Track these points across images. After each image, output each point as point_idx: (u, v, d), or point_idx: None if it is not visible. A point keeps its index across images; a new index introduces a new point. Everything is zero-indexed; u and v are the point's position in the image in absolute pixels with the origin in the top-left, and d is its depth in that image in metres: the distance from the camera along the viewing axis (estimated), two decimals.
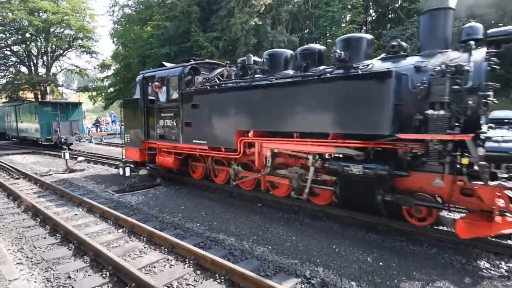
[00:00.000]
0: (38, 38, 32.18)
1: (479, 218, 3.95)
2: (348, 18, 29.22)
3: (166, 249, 4.12)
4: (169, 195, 7.09)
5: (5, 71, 33.83)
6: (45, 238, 4.65)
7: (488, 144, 3.64)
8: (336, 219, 5.23)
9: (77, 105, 19.09)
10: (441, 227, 4.64)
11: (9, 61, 33.71)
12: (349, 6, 28.08)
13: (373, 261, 3.86)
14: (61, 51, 34.71)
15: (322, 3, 26.54)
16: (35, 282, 3.35)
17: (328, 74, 5.06)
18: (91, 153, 14.71)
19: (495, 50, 4.13)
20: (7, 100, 33.69)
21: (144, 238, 4.51)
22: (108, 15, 33.92)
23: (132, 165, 8.15)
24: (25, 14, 28.75)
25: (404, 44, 4.95)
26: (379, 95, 4.12)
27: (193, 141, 6.89)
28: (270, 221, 5.26)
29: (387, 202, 4.42)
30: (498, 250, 4.00)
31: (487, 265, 3.76)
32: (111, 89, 32.49)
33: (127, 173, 7.69)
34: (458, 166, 4.01)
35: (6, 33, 31.01)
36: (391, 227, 4.72)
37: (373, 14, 35.70)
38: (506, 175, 3.68)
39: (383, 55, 5.00)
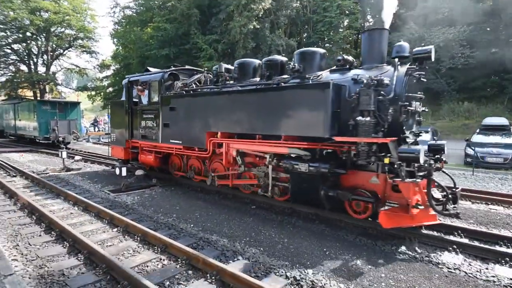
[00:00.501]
0: (38, 37, 32.25)
1: (400, 211, 4.58)
2: (345, 23, 29.54)
3: (159, 249, 4.18)
4: (164, 195, 7.16)
5: (5, 69, 33.80)
6: (40, 235, 4.70)
7: (402, 147, 4.40)
8: (328, 223, 5.32)
9: (75, 104, 19.15)
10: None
11: (9, 59, 33.70)
12: (346, 12, 28.42)
13: (362, 264, 3.94)
14: (61, 51, 34.75)
15: (320, 8, 26.84)
16: (29, 278, 3.41)
17: (282, 84, 5.66)
18: (88, 152, 14.75)
19: (416, 66, 4.88)
20: (6, 98, 33.64)
21: (138, 238, 4.58)
22: (109, 16, 34.08)
23: (128, 165, 8.37)
24: (27, 13, 28.83)
25: (350, 58, 5.57)
26: (320, 103, 4.74)
27: (170, 141, 7.48)
28: (263, 223, 5.34)
29: (329, 196, 5.01)
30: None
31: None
32: (110, 89, 32.57)
33: (124, 173, 7.79)
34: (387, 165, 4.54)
35: (7, 31, 31.03)
36: (379, 230, 4.84)
37: (371, 20, 36.09)
38: (421, 173, 4.37)
39: (333, 67, 5.60)
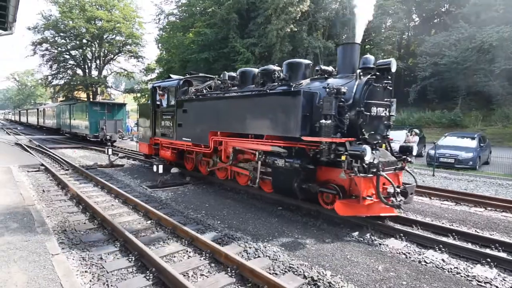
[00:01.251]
0: (93, 44, 35.25)
1: (355, 201, 5.19)
2: (388, 24, 28.33)
3: (186, 242, 4.46)
4: (196, 193, 7.53)
5: (64, 73, 37.38)
6: (84, 223, 5.24)
7: (351, 146, 5.02)
8: (351, 225, 5.26)
9: (122, 105, 20.66)
10: None
11: (68, 64, 37.24)
12: (390, 12, 27.22)
13: (383, 270, 3.87)
14: (112, 56, 37.60)
15: None
16: (73, 259, 3.85)
17: (267, 91, 6.46)
18: (131, 150, 15.84)
19: (375, 76, 5.47)
20: (64, 99, 37.19)
21: (169, 230, 4.92)
22: (154, 23, 36.22)
23: (165, 163, 9.22)
24: (83, 22, 31.67)
25: (329, 68, 6.30)
26: (292, 107, 5.52)
27: (183, 138, 8.56)
28: (287, 224, 5.42)
29: (302, 188, 5.70)
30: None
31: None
32: None
33: (160, 170, 8.35)
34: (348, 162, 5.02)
35: (66, 39, 34.38)
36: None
37: (416, 19, 34.16)
38: (374, 169, 4.92)
39: (315, 76, 6.33)
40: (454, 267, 4.03)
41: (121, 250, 4.22)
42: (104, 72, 37.98)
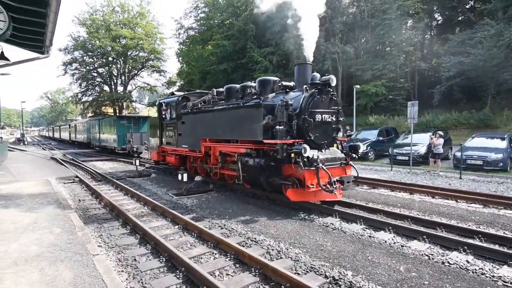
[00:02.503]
0: (118, 61, 37.16)
1: (303, 189, 6.27)
2: (409, 24, 27.82)
3: (212, 244, 4.71)
4: (219, 199, 7.81)
5: (92, 90, 39.53)
6: (118, 229, 5.63)
7: (295, 146, 6.22)
8: (371, 225, 5.30)
9: (146, 118, 21.56)
10: None
11: (96, 81, 39.40)
12: (411, 12, 26.74)
13: (405, 271, 3.91)
14: (136, 71, 39.40)
15: (379, 11, 25.78)
16: (110, 260, 4.20)
17: (242, 103, 7.71)
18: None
19: (317, 90, 6.80)
20: (92, 114, 39.22)
21: (195, 234, 5.20)
22: (174, 37, 37.70)
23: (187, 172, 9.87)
24: (109, 41, 33.53)
25: (291, 83, 7.67)
26: (257, 117, 6.84)
27: (182, 145, 10.14)
28: (309, 228, 5.55)
29: (268, 182, 6.96)
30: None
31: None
32: None
33: (185, 178, 8.69)
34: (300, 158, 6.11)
35: (94, 57, 36.49)
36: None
37: (439, 18, 33.29)
38: (316, 164, 6.04)
39: (280, 91, 7.74)
40: (479, 268, 4.00)
41: (152, 252, 4.53)
42: (129, 87, 39.85)
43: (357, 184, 9.39)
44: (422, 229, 5.34)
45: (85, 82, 38.07)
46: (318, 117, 6.79)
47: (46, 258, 3.87)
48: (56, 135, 46.98)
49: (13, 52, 21.79)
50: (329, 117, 7.06)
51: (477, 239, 4.95)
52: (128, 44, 34.07)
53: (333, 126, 7.19)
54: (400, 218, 6.02)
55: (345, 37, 28.63)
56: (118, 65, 37.86)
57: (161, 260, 4.21)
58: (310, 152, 6.07)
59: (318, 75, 6.96)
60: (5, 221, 5.46)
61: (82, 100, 40.35)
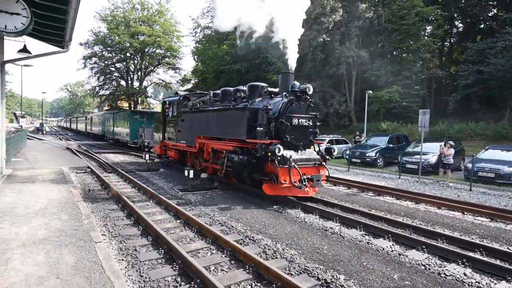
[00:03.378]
0: (135, 57, 37.95)
1: (277, 185, 7.03)
2: (428, 31, 27.28)
3: (210, 240, 4.83)
4: (223, 197, 7.93)
5: (109, 84, 40.50)
6: (122, 219, 5.84)
7: (271, 146, 6.94)
8: (370, 231, 5.30)
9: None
10: None
11: (113, 76, 40.35)
12: (430, 18, 26.20)
13: (399, 279, 3.92)
14: (152, 68, 40.12)
15: (396, 17, 25.42)
16: (112, 249, 4.38)
17: (232, 106, 8.61)
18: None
19: (295, 97, 7.57)
20: (108, 108, 40.17)
21: (195, 230, 5.33)
22: (191, 36, 38.22)
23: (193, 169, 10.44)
24: (128, 37, 34.28)
25: (276, 90, 8.55)
26: (241, 119, 7.72)
27: (181, 141, 11.07)
28: (307, 231, 5.59)
29: (250, 177, 7.67)
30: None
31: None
32: None
33: (191, 175, 8.86)
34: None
35: (112, 53, 37.37)
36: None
37: (459, 25, 32.51)
38: (289, 162, 6.84)
39: (266, 96, 8.56)
40: (476, 281, 3.97)
41: (153, 244, 4.69)
42: (145, 83, 40.64)
43: (362, 190, 9.37)
44: (422, 239, 5.32)
45: (103, 76, 39.05)
46: (295, 121, 7.51)
47: (52, 242, 4.08)
48: (73, 126, 48.37)
49: (35, 45, 22.61)
50: (305, 122, 7.77)
51: (478, 252, 4.89)
52: (146, 41, 34.75)
53: (310, 129, 7.90)
54: (401, 227, 5.99)
55: (361, 41, 28.34)
56: (135, 61, 38.67)
57: (160, 252, 4.36)
58: (284, 152, 6.85)
59: (297, 83, 7.66)
60: (19, 205, 5.75)
61: (100, 94, 41.38)
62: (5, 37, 8.11)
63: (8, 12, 5.52)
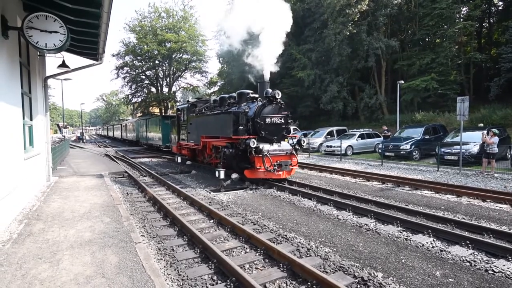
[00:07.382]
0: (163, 64, 39.29)
1: (255, 170, 8.84)
2: (463, 13, 25.48)
3: (243, 239, 4.90)
4: (254, 197, 8.00)
5: (141, 92, 42.28)
6: (159, 220, 6.08)
7: (248, 139, 8.80)
8: (408, 227, 5.07)
9: None
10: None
11: (144, 83, 42.09)
12: None
13: (441, 277, 3.72)
14: (179, 73, 41.29)
15: (428, 0, 23.98)
16: (151, 249, 4.58)
17: (223, 110, 10.98)
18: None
19: (267, 100, 9.55)
20: (141, 114, 41.95)
21: (228, 229, 5.43)
22: (215, 39, 38.80)
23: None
24: (156, 45, 35.57)
25: (256, 95, 10.34)
26: (229, 120, 9.54)
27: (190, 141, 13.44)
28: (341, 228, 5.49)
29: (238, 166, 9.40)
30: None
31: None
32: None
33: (222, 176, 9.06)
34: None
35: (142, 61, 38.99)
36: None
37: (499, 3, 30.04)
38: (262, 152, 8.72)
39: (250, 101, 10.33)
40: None
41: (189, 244, 4.84)
42: (173, 88, 41.95)
43: (397, 184, 8.98)
44: (466, 234, 5.01)
45: (134, 84, 40.89)
46: (268, 120, 9.30)
47: (96, 244, 4.36)
48: (110, 133, 51.10)
49: (72, 59, 24.14)
50: (278, 120, 9.50)
51: None
52: (172, 48, 35.87)
53: (282, 126, 9.61)
54: (442, 222, 5.68)
55: (389, 30, 27.15)
56: (164, 68, 40.06)
57: (196, 251, 4.49)
58: (260, 145, 8.73)
59: (270, 90, 9.51)
60: (66, 210, 6.20)
61: (132, 101, 43.37)
62: (46, 54, 8.77)
63: (47, 31, 5.95)
